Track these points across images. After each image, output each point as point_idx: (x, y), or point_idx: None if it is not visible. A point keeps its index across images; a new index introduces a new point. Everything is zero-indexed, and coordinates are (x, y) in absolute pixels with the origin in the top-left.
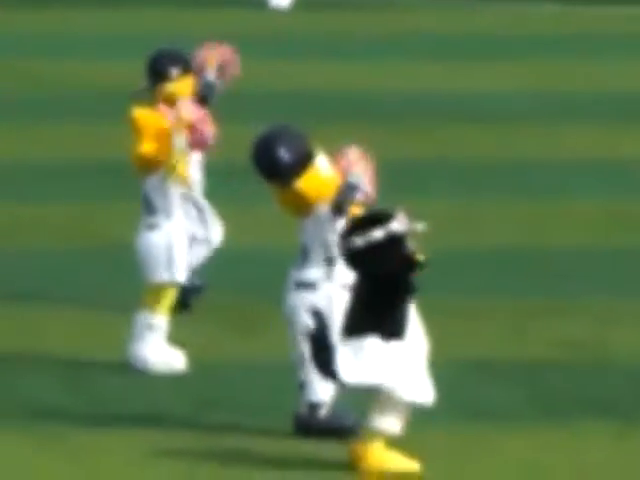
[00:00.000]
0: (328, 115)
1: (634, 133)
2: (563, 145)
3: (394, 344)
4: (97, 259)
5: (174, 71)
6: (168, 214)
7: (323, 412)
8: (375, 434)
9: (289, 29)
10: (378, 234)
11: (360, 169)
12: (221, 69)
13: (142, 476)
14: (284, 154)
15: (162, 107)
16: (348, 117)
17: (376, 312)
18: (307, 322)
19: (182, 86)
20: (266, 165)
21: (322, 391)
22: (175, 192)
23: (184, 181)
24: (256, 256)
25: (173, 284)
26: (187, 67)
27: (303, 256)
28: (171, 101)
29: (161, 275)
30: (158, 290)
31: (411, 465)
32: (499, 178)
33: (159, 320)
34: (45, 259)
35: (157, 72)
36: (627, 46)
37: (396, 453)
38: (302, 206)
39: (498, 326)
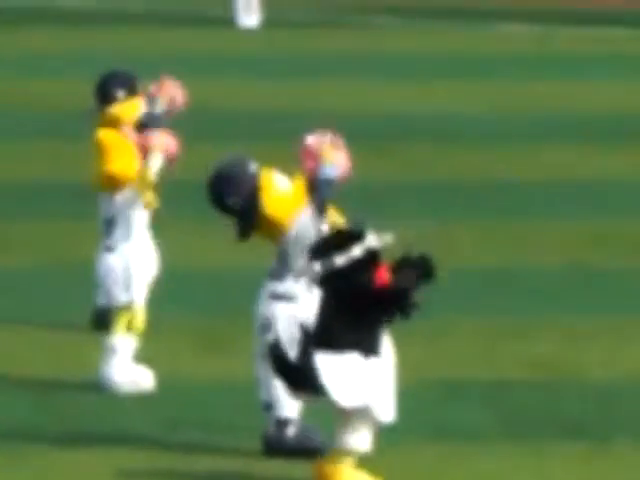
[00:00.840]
0: (295, 134)
1: (609, 155)
2: (536, 166)
3: (372, 361)
4: (66, 278)
5: (120, 93)
6: (127, 236)
7: (292, 430)
8: (346, 453)
9: (257, 48)
10: (357, 251)
11: (326, 153)
12: (170, 102)
13: None
14: (233, 202)
15: (125, 129)
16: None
17: (356, 328)
18: (280, 334)
19: (126, 109)
20: (220, 209)
21: (290, 408)
22: (138, 213)
23: (150, 204)
24: (223, 276)
25: (131, 305)
26: (133, 89)
27: (280, 267)
28: (115, 123)
29: (119, 297)
30: (118, 312)
31: None
32: (470, 199)
33: (121, 341)
34: (12, 278)
35: (103, 93)
36: (605, 67)
37: (364, 473)
38: (276, 229)
39: (467, 346)
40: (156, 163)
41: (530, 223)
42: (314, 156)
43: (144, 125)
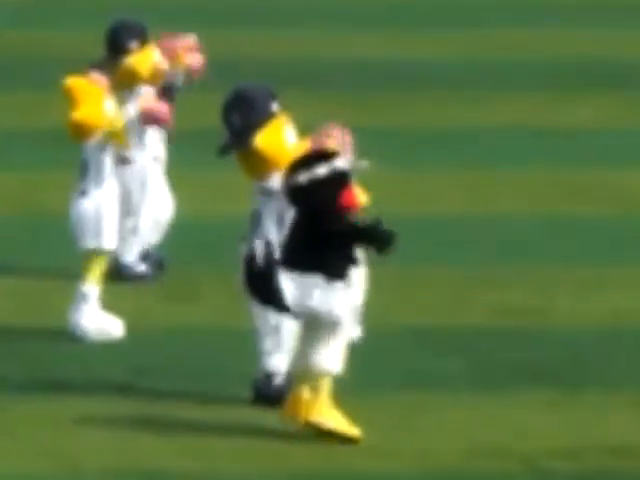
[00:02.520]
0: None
1: (571, 101)
2: (501, 113)
3: (337, 284)
4: (36, 227)
5: (133, 44)
6: (99, 181)
7: (279, 379)
8: (318, 373)
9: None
10: (322, 170)
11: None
12: (187, 71)
13: (77, 443)
14: (235, 118)
15: (93, 74)
16: (285, 85)
17: (321, 250)
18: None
19: (141, 59)
20: (223, 120)
21: (278, 361)
22: (109, 159)
23: (124, 145)
24: (191, 223)
25: (102, 251)
26: (145, 39)
27: (255, 224)
28: (130, 74)
29: (89, 242)
30: (88, 258)
31: (351, 430)
32: (438, 146)
33: (91, 288)
34: None
35: (116, 45)
36: (563, 14)
37: (340, 416)
38: (260, 167)
39: (438, 295)
40: (131, 111)
41: (497, 172)
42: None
43: (167, 90)
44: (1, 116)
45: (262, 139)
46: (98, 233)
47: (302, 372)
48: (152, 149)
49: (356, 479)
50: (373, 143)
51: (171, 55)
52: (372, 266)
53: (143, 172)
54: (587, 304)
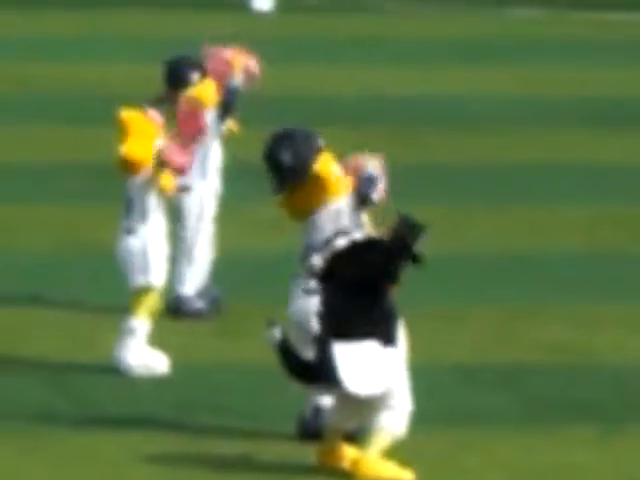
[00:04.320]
0: (307, 120)
1: (617, 138)
2: (549, 150)
3: (389, 350)
4: (84, 261)
5: (195, 76)
6: (145, 217)
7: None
8: (384, 435)
9: (271, 32)
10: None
11: (374, 166)
12: (246, 73)
13: (123, 478)
14: (287, 155)
15: (150, 110)
16: (328, 122)
17: (371, 317)
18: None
19: (204, 90)
20: (272, 165)
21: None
22: (154, 195)
23: (165, 188)
24: (237, 258)
25: (150, 287)
26: (204, 72)
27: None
28: (193, 105)
29: (138, 279)
30: (137, 294)
31: (405, 474)
32: (484, 183)
33: (139, 324)
34: (32, 260)
35: (178, 77)
36: (611, 52)
37: (389, 462)
38: (313, 201)
39: (483, 331)
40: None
41: (541, 207)
42: (359, 161)
43: (227, 104)
44: (53, 148)
45: (321, 167)
46: (146, 269)
47: (344, 430)
48: (212, 181)
49: None
50: (419, 181)
51: (225, 62)
52: (421, 303)
53: (201, 203)
54: (632, 340)
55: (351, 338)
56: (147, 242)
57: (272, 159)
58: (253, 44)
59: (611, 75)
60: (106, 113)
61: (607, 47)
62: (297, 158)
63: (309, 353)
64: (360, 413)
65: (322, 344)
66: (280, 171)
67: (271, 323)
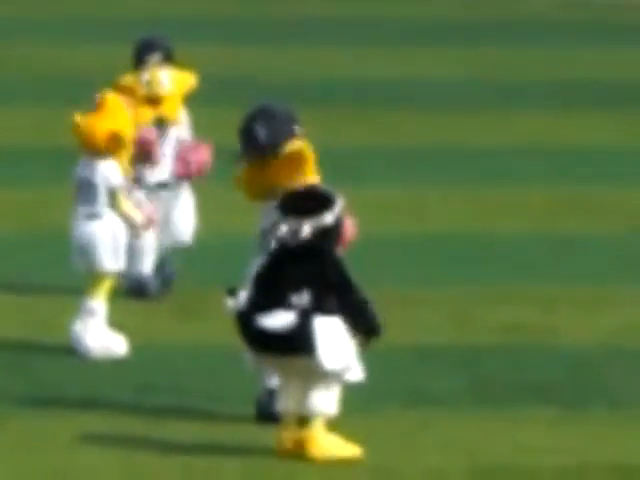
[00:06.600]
0: (260, 99)
1: (579, 120)
2: (507, 131)
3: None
4: (44, 244)
5: (154, 57)
6: (111, 202)
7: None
8: (319, 417)
9: (234, 13)
10: (338, 209)
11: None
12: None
13: (81, 461)
14: (262, 129)
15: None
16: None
17: (340, 293)
18: None
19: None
20: (244, 140)
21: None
22: (121, 179)
23: (127, 172)
24: (200, 240)
25: (117, 272)
26: (168, 54)
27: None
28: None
29: (107, 264)
30: (101, 277)
31: (352, 450)
32: (442, 164)
33: (98, 305)
34: None
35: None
36: (576, 33)
37: (337, 438)
38: (280, 180)
39: (439, 312)
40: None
41: (499, 189)
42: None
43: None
44: (14, 133)
45: (294, 147)
46: (117, 254)
47: (296, 414)
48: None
49: None
50: (376, 162)
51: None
52: (375, 286)
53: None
54: (590, 322)
55: (327, 312)
56: (116, 227)
57: (247, 132)
58: (218, 25)
59: (573, 57)
60: (66, 95)
61: (570, 29)
62: (272, 137)
63: (273, 321)
64: (304, 394)
65: (303, 315)
66: (252, 145)
67: (230, 292)
